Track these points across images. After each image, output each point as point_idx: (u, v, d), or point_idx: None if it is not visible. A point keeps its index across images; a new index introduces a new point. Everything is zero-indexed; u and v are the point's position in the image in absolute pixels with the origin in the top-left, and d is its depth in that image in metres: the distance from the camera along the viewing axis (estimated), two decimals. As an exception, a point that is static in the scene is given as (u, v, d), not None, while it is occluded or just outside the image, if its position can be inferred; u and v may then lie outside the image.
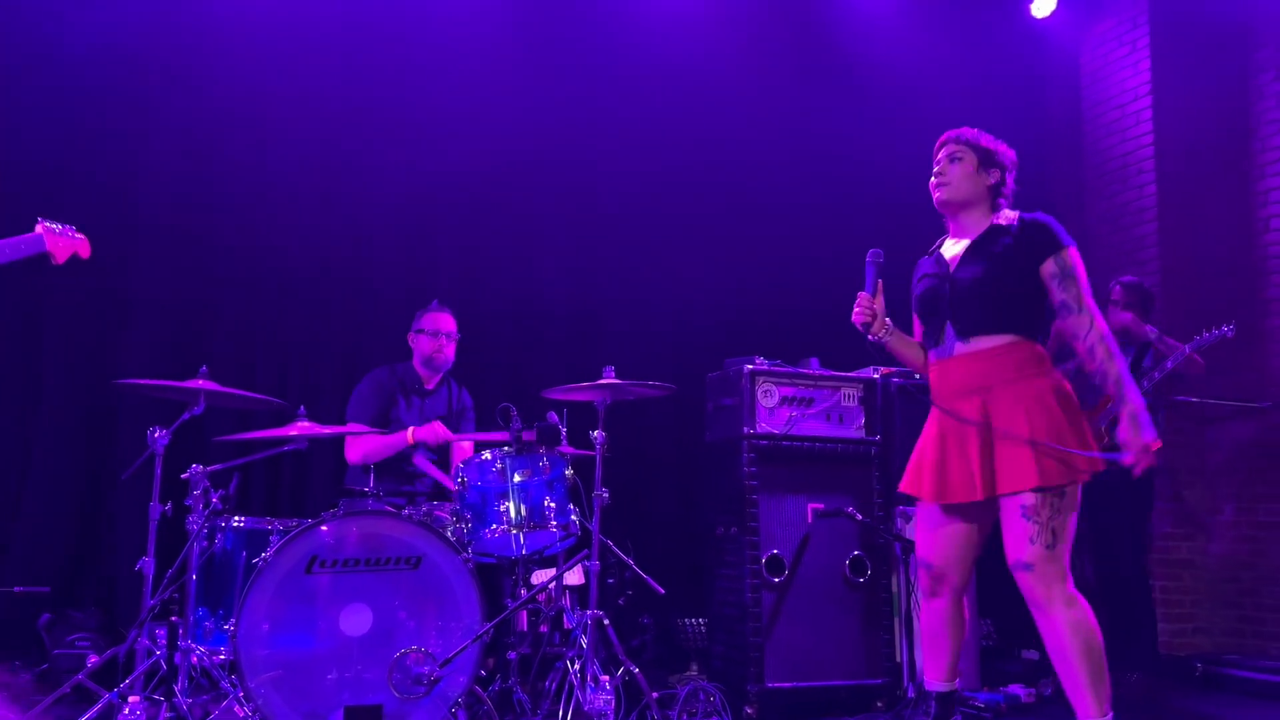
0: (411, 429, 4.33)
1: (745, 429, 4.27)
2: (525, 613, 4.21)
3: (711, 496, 4.51)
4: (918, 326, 3.20)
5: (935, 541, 3.09)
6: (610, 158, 5.74)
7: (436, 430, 4.33)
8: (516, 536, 3.76)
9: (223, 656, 3.48)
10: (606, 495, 3.83)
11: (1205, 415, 5.72)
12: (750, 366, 4.33)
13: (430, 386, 4.59)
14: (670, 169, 5.81)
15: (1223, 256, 5.83)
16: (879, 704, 4.22)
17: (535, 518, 3.75)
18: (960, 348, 3.00)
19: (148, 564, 3.46)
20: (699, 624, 4.80)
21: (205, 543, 3.59)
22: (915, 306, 3.18)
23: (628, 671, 3.76)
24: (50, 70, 4.79)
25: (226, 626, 3.47)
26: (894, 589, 4.41)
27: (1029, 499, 2.83)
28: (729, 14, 5.98)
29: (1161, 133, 5.98)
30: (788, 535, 4.27)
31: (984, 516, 3.06)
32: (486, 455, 3.84)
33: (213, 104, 5.03)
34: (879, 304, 3.10)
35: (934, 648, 3.17)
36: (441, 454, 4.53)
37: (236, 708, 3.30)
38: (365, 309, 5.25)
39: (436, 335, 4.53)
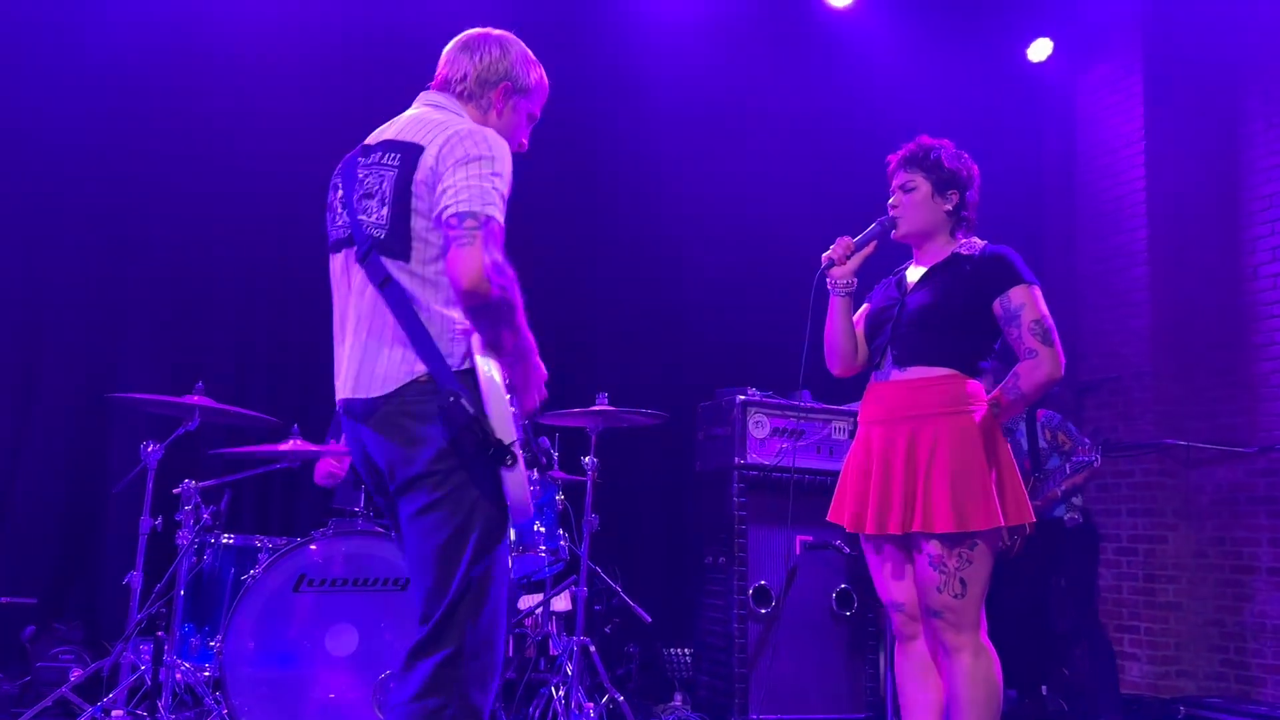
0: None
1: (736, 459, 4.29)
2: (511, 638, 4.21)
3: (700, 526, 4.53)
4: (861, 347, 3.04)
5: (896, 578, 2.85)
6: (607, 181, 5.78)
7: None
8: (505, 560, 3.76)
9: (208, 673, 3.48)
10: (596, 521, 3.85)
11: (1191, 458, 5.75)
12: (742, 397, 4.35)
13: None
14: (667, 196, 5.85)
15: (1212, 301, 5.89)
16: (862, 738, 4.22)
17: (524, 542, 3.76)
18: (896, 374, 2.87)
19: (135, 578, 3.47)
20: (685, 654, 4.79)
21: (194, 559, 3.60)
22: (864, 325, 3.03)
23: (612, 700, 3.77)
24: (60, 81, 4.83)
25: (212, 644, 3.47)
26: (880, 623, 4.42)
27: (934, 548, 2.69)
28: (729, 51, 6.02)
29: (1154, 178, 6.05)
30: (775, 566, 4.29)
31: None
32: (478, 478, 3.85)
33: (219, 115, 5.03)
34: (856, 258, 2.95)
35: (916, 700, 2.83)
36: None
37: (220, 725, 3.30)
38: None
39: None
